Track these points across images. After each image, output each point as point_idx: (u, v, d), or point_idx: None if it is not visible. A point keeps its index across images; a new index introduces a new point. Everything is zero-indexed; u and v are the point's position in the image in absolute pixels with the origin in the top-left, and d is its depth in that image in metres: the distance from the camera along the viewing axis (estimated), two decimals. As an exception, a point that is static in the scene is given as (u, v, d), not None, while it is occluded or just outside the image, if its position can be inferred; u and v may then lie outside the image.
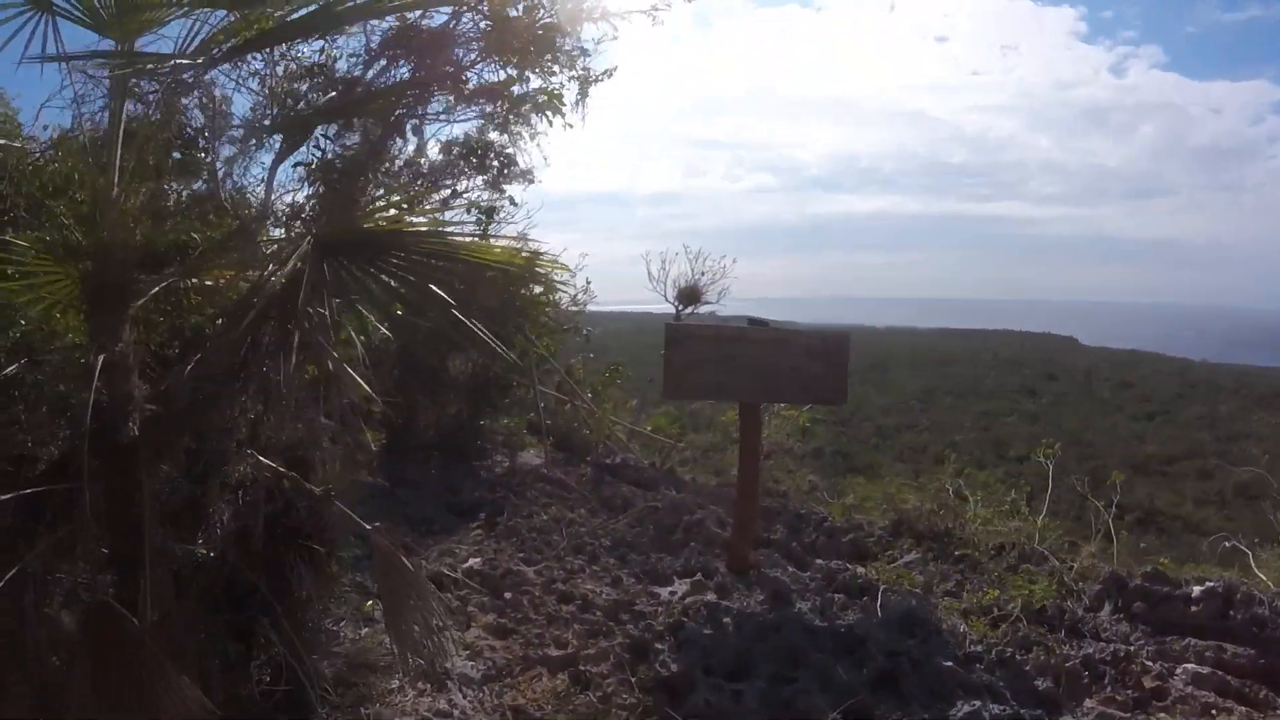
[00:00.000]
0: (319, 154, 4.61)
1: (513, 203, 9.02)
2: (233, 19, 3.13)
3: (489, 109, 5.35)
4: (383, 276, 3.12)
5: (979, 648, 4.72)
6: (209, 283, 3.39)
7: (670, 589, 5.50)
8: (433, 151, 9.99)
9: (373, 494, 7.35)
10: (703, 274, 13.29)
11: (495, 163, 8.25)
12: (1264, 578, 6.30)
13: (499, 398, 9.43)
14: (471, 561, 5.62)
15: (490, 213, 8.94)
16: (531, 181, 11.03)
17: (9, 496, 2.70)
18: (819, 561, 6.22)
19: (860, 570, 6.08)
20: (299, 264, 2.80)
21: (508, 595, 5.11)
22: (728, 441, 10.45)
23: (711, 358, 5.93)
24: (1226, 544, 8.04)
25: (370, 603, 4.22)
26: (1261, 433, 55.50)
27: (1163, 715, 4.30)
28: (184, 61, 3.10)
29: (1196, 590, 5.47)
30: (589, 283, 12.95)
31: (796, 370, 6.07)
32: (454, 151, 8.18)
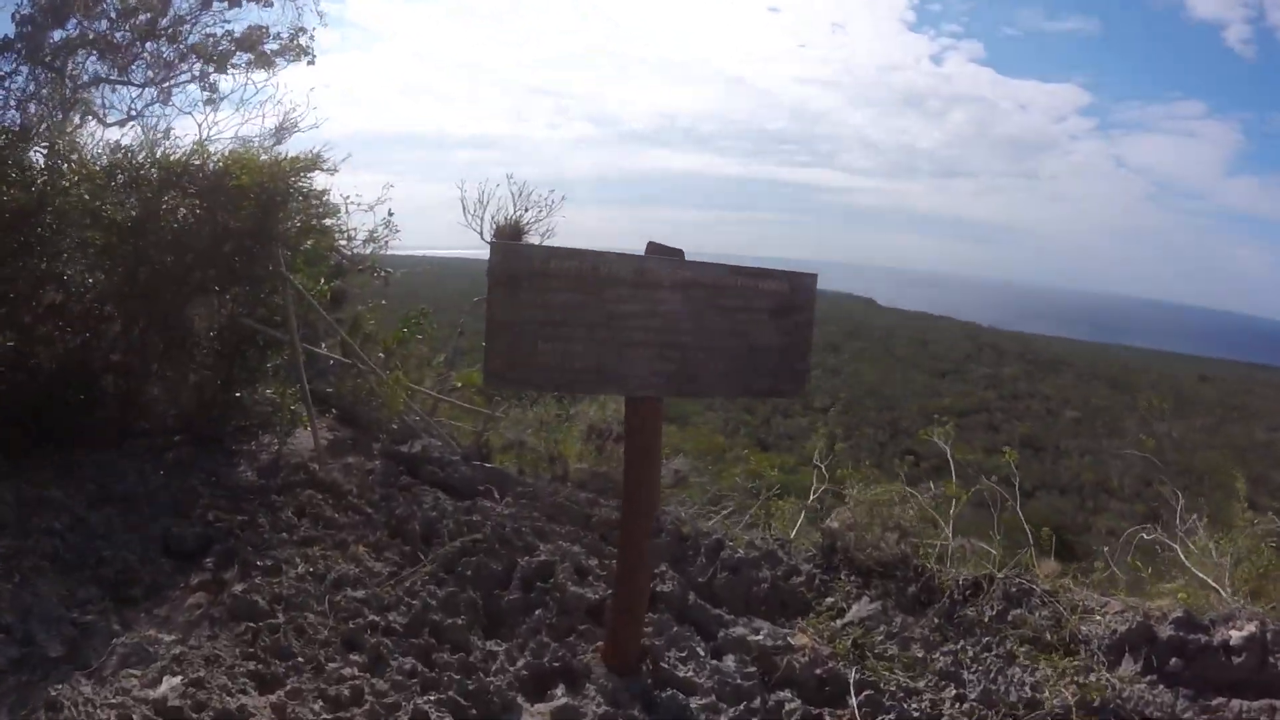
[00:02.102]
0: None
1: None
2: None
3: None
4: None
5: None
6: None
7: (516, 732, 3.23)
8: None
9: (55, 532, 4.75)
10: (526, 210, 11.16)
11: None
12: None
13: (259, 360, 6.77)
14: (165, 685, 3.15)
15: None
16: (309, 59, 8.33)
17: None
18: (736, 630, 4.12)
19: (803, 640, 4.09)
20: None
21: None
22: (563, 412, 8.17)
23: (579, 316, 3.56)
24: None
25: None
26: (1044, 392, 60.48)
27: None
28: None
29: (1235, 636, 4.22)
30: (391, 214, 10.51)
31: (737, 339, 3.86)
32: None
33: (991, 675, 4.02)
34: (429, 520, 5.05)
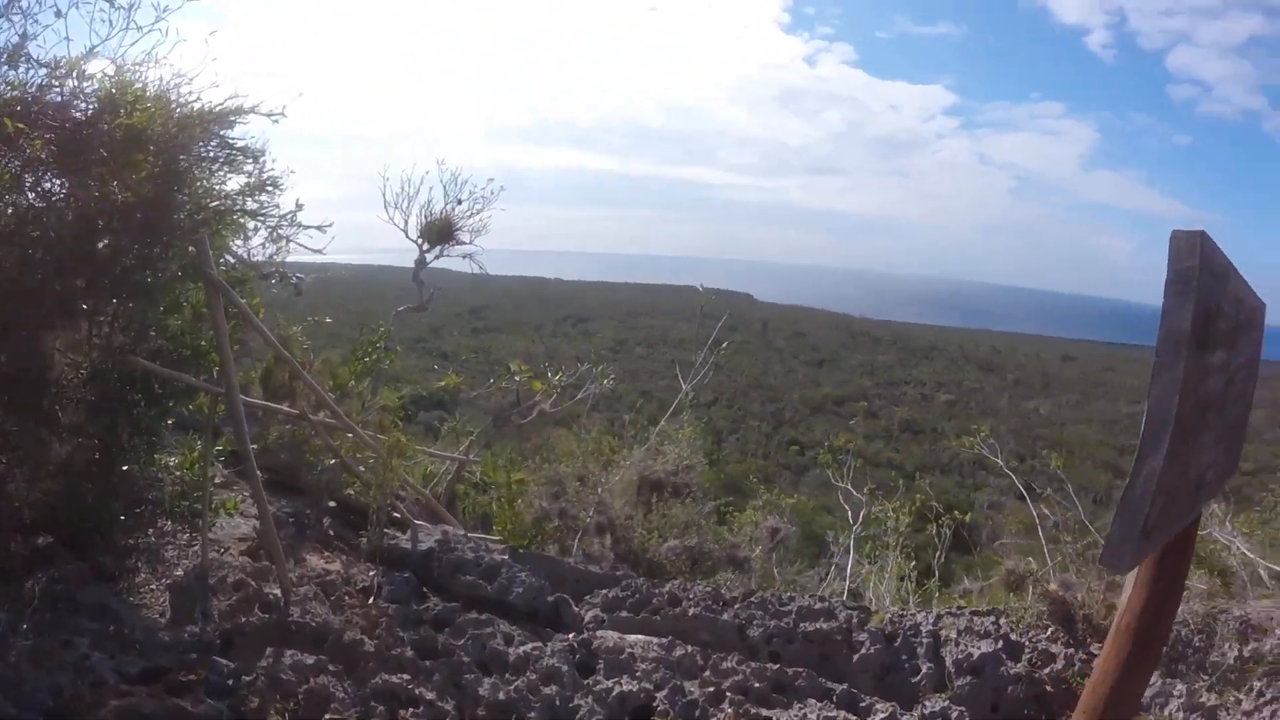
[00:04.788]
0: None
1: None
2: None
3: None
4: None
5: None
6: None
7: None
8: None
9: None
10: (459, 202, 9.05)
11: None
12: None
13: (155, 414, 4.26)
14: None
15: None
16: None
17: None
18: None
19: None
20: None
21: None
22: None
23: (1223, 397, 2.00)
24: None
25: None
26: (918, 378, 61.83)
27: None
28: None
29: None
30: (300, 205, 8.11)
31: (1242, 405, 2.43)
32: None
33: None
34: (510, 693, 2.79)
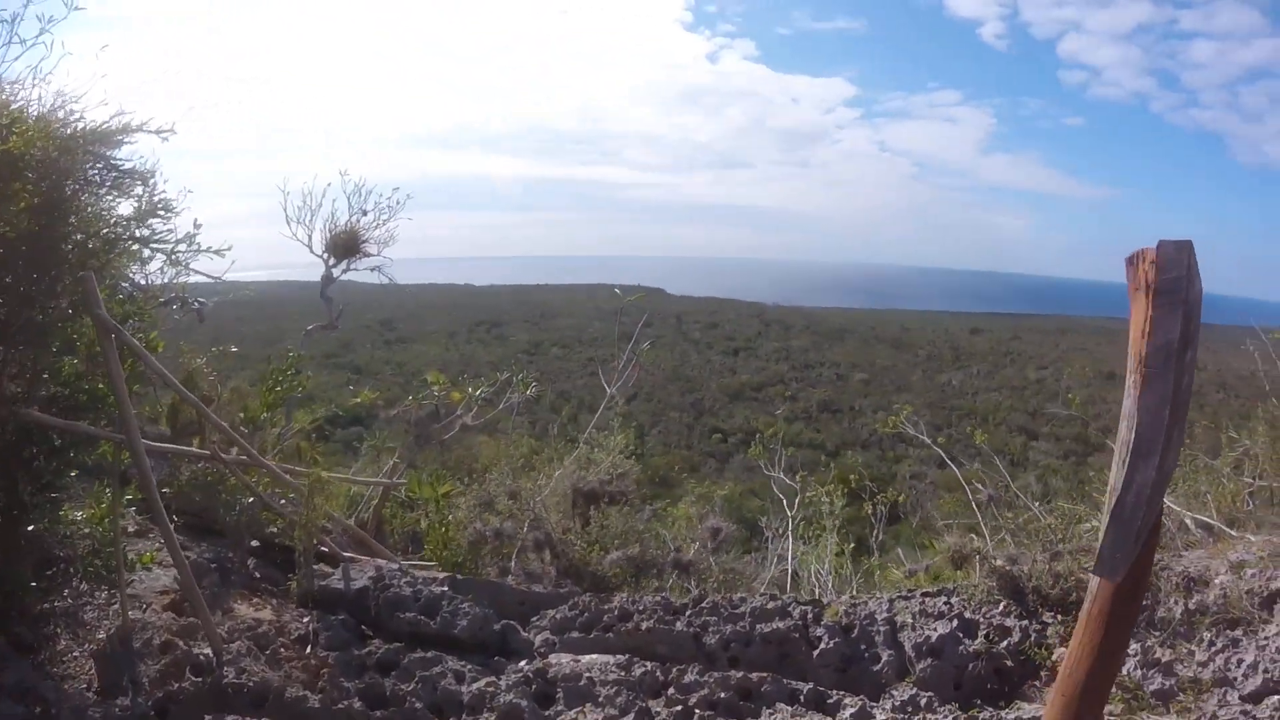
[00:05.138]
0: None
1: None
2: None
3: None
4: None
5: None
6: None
7: None
8: None
9: None
10: (364, 213, 8.72)
11: None
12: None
13: (58, 468, 3.92)
14: None
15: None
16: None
17: None
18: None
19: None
20: None
21: None
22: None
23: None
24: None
25: None
26: (833, 360, 63.03)
27: None
28: None
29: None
30: (198, 225, 7.68)
31: None
32: None
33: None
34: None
